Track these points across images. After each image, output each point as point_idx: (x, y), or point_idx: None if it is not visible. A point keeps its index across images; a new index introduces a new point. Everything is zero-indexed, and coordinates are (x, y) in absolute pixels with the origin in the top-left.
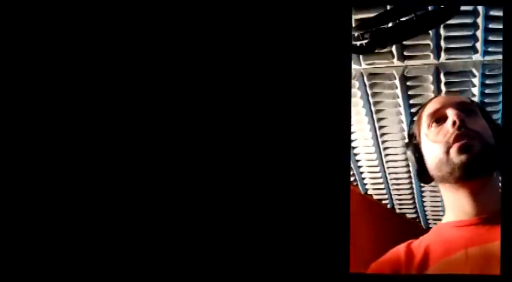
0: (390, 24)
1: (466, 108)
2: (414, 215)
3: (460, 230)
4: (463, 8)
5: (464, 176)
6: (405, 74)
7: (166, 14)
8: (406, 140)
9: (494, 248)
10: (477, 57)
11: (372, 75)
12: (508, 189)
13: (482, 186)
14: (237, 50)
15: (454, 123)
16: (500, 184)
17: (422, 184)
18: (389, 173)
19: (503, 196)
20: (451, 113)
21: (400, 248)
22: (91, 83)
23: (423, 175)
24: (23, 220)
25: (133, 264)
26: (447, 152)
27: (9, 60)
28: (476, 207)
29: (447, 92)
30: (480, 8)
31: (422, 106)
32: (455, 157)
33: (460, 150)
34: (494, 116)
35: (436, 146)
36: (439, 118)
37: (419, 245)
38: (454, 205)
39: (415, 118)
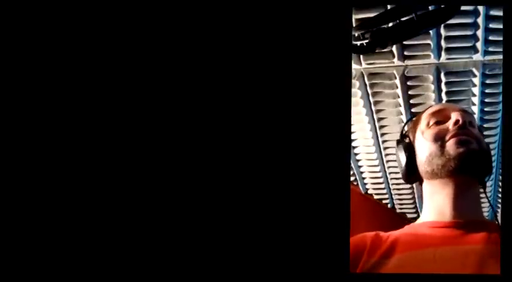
0: (390, 24)
1: (468, 115)
2: (414, 215)
3: (433, 230)
4: (463, 7)
5: (458, 168)
6: (405, 73)
7: (166, 14)
8: (398, 138)
9: (464, 250)
10: (477, 57)
11: (372, 75)
12: (508, 189)
13: (468, 188)
14: (237, 49)
15: (456, 122)
16: (481, 195)
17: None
18: (390, 173)
19: (503, 196)
20: (456, 114)
21: (368, 235)
22: (91, 83)
23: (410, 174)
24: (22, 220)
25: (133, 264)
26: (442, 146)
27: (9, 60)
28: (455, 210)
29: (448, 93)
30: (480, 8)
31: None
32: (452, 149)
33: (458, 144)
34: (494, 117)
35: (431, 143)
36: (440, 120)
37: (388, 235)
38: (434, 205)
39: (413, 119)
